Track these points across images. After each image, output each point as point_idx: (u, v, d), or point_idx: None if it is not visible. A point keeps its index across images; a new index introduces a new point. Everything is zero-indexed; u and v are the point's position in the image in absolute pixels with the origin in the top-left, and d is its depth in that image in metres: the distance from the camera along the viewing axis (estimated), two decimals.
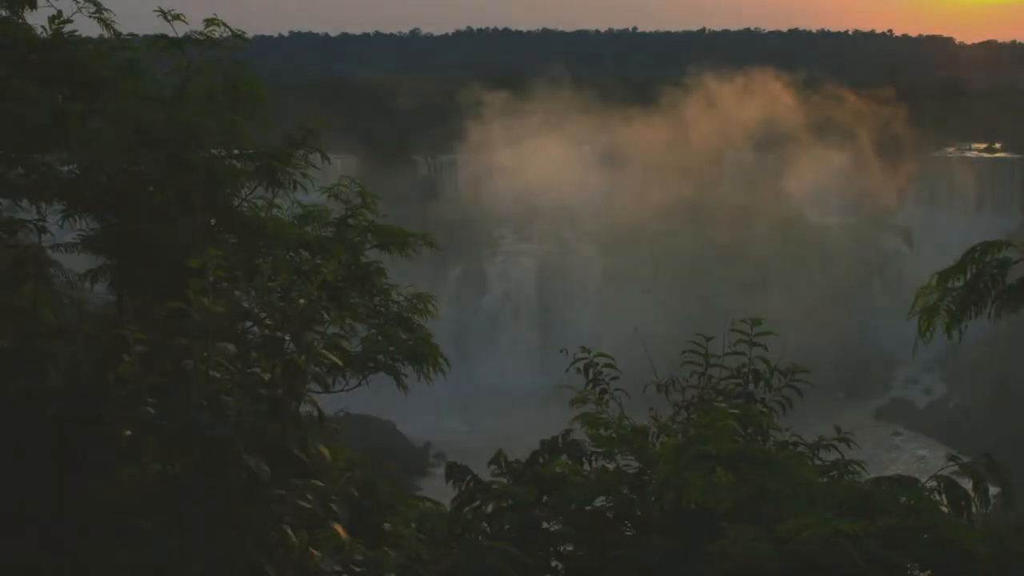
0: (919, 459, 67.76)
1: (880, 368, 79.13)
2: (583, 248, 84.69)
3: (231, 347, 5.77)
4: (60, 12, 9.68)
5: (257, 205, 8.49)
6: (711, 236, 79.58)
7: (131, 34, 9.93)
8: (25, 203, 9.46)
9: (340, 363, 5.77)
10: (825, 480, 6.84)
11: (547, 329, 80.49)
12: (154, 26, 10.30)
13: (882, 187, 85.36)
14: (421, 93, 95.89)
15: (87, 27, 9.89)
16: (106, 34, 9.84)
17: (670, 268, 78.28)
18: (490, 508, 7.59)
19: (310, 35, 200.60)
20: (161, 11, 8.14)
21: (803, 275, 74.19)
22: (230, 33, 8.31)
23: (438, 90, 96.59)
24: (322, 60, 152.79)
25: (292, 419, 5.65)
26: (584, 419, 7.83)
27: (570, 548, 7.46)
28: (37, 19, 9.91)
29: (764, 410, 8.15)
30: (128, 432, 8.24)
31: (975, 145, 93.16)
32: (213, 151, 8.11)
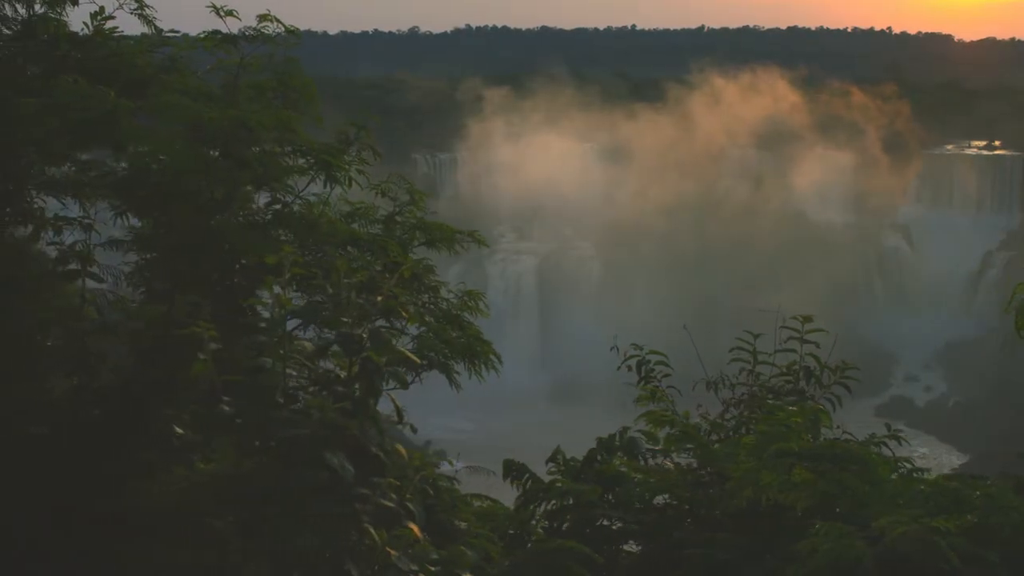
0: (920, 457, 67.86)
1: (880, 366, 79.23)
2: (584, 246, 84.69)
3: (308, 344, 5.73)
4: (102, 8, 9.62)
5: (309, 201, 8.46)
6: (712, 234, 79.60)
7: (172, 30, 9.87)
8: (69, 201, 9.41)
9: (417, 360, 5.72)
10: (896, 477, 6.82)
11: (547, 327, 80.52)
12: (189, 23, 10.24)
13: (882, 185, 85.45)
14: (420, 91, 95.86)
15: (127, 24, 9.85)
16: (147, 31, 9.79)
17: (671, 266, 78.28)
18: (551, 506, 7.56)
19: (309, 33, 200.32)
20: (214, 7, 8.11)
21: (804, 273, 74.24)
22: (283, 29, 8.27)
23: (437, 88, 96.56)
24: (321, 58, 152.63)
25: (371, 417, 5.61)
26: (649, 417, 7.80)
27: (633, 546, 7.42)
28: (79, 15, 9.87)
29: (821, 407, 8.12)
30: (180, 431, 8.23)
31: (975, 143, 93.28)
32: (266, 147, 8.08)
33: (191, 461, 7.80)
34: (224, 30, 8.25)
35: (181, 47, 9.53)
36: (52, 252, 9.32)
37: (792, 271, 74.31)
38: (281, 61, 8.53)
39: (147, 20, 9.65)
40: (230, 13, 8.08)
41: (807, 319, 8.88)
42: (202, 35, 8.52)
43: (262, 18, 8.18)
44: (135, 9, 9.59)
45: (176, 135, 7.87)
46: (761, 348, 9.36)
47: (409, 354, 5.69)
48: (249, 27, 8.13)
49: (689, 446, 7.81)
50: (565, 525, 7.52)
